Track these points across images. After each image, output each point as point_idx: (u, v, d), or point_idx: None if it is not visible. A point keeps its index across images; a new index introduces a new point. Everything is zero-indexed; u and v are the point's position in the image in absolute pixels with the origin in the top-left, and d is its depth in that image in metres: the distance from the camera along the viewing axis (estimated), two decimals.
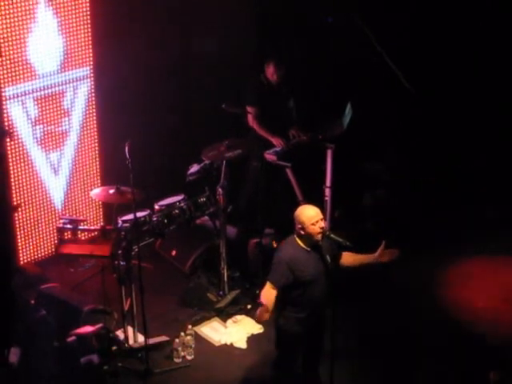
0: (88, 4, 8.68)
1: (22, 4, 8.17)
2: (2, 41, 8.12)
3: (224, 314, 8.33)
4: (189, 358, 7.71)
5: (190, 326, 7.90)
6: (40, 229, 8.94)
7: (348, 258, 6.73)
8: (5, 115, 8.38)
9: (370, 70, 10.42)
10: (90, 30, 8.78)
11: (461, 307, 8.37)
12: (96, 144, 9.26)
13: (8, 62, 8.23)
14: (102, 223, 9.28)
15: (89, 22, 8.75)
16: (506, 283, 8.73)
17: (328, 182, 9.07)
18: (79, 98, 8.98)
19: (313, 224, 6.39)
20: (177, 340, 7.68)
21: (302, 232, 6.42)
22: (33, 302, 7.74)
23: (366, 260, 6.83)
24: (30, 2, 8.23)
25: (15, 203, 8.62)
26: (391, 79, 10.37)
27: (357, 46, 10.43)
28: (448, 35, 10.57)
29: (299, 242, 6.46)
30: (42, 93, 8.65)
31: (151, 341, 7.65)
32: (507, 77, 10.65)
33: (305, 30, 10.38)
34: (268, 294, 6.45)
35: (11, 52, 8.22)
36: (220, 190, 8.27)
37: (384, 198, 10.02)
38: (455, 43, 10.63)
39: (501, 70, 10.66)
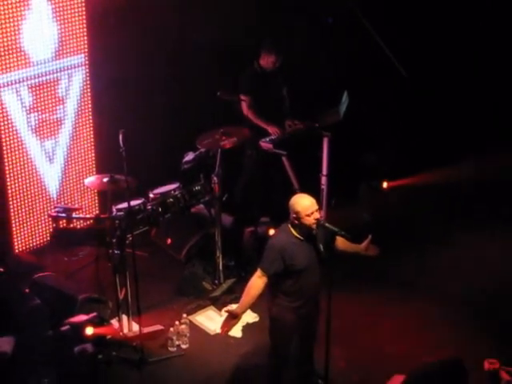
0: None
1: None
2: None
3: (219, 303, 8.31)
4: (184, 346, 7.69)
5: (184, 315, 7.89)
6: (34, 217, 8.91)
7: (341, 243, 6.74)
8: None
9: (368, 58, 10.40)
10: (84, 16, 8.73)
11: (453, 298, 8.36)
12: (91, 132, 9.21)
13: (2, 49, 8.17)
14: (96, 211, 9.25)
15: (83, 8, 8.70)
16: (499, 275, 8.71)
17: (324, 171, 9.04)
18: (74, 86, 8.92)
19: (308, 215, 6.35)
20: (171, 329, 7.67)
21: (297, 222, 6.39)
22: (27, 290, 7.73)
23: (354, 249, 6.87)
24: None
25: None
26: (389, 69, 10.35)
27: (355, 35, 10.41)
28: (447, 28, 10.55)
29: (293, 230, 6.43)
30: (37, 80, 8.60)
31: (146, 330, 7.63)
32: (505, 69, 10.63)
33: (302, 19, 10.34)
34: (256, 283, 6.45)
35: (5, 39, 8.16)
36: (215, 178, 8.24)
37: (380, 188, 10.03)
38: (454, 35, 10.61)
39: (499, 62, 10.64)
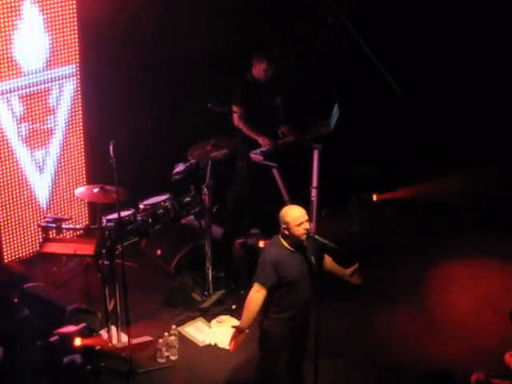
0: (74, 1, 8.62)
1: (8, 0, 8.10)
2: None
3: (209, 314, 8.30)
4: (172, 358, 7.68)
5: (174, 326, 7.87)
6: (24, 227, 8.88)
7: (328, 263, 6.73)
8: None
9: (360, 71, 10.45)
10: (76, 27, 8.72)
11: (442, 311, 8.36)
12: (81, 142, 9.20)
13: None
14: (86, 222, 9.24)
15: (75, 19, 8.69)
16: (489, 287, 8.72)
17: (315, 183, 9.04)
18: (65, 96, 8.92)
19: (298, 225, 6.36)
20: (161, 340, 7.65)
21: (287, 232, 6.40)
22: (16, 300, 7.69)
23: (340, 272, 6.87)
24: None
25: None
26: (380, 81, 10.40)
27: (346, 47, 10.46)
28: (440, 40, 10.61)
29: (284, 242, 6.44)
30: (28, 90, 8.58)
31: (135, 341, 7.61)
32: (498, 80, 10.68)
33: (294, 30, 10.37)
34: (255, 297, 6.43)
35: None
36: (205, 189, 8.24)
37: (370, 200, 10.05)
38: (447, 47, 10.67)
39: (491, 73, 10.69)
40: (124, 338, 7.70)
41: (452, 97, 10.70)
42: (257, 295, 6.44)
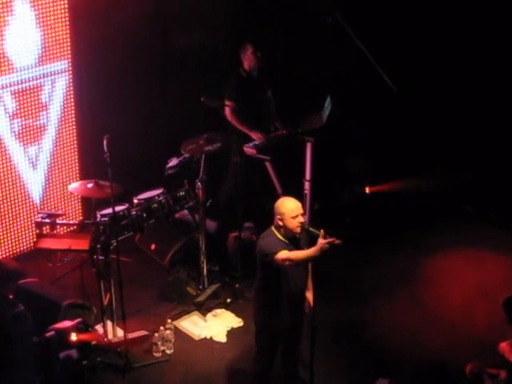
0: None
1: None
2: None
3: (204, 308, 8.31)
4: (168, 352, 7.69)
5: (169, 320, 7.89)
6: (18, 223, 8.88)
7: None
8: None
9: (352, 64, 10.46)
10: (67, 22, 8.72)
11: (436, 302, 8.39)
12: (74, 138, 9.20)
13: None
14: (80, 217, 9.25)
15: (67, 14, 8.69)
16: (482, 278, 8.76)
17: (307, 176, 9.06)
18: (57, 92, 8.92)
19: (293, 217, 6.37)
20: (156, 334, 7.66)
21: (281, 223, 6.40)
22: (11, 296, 7.70)
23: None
24: None
25: None
26: (373, 75, 10.41)
27: (338, 41, 10.47)
28: (434, 35, 10.63)
29: (277, 233, 6.44)
30: (20, 86, 8.58)
31: (130, 335, 7.62)
32: (489, 74, 10.71)
33: (287, 24, 10.39)
34: (293, 252, 6.29)
35: None
36: (199, 183, 8.26)
37: (363, 194, 10.08)
38: (439, 42, 10.69)
39: (483, 68, 10.72)
40: (119, 332, 7.70)
41: (445, 90, 10.72)
42: (286, 253, 6.27)
